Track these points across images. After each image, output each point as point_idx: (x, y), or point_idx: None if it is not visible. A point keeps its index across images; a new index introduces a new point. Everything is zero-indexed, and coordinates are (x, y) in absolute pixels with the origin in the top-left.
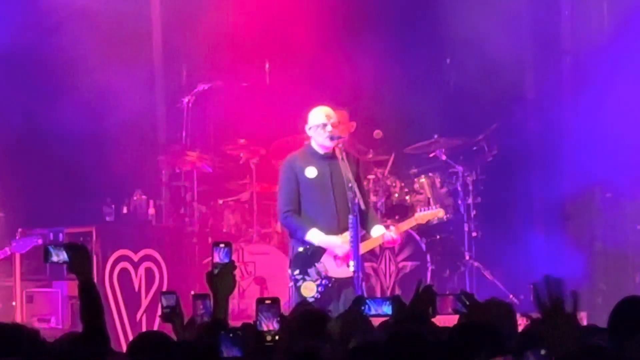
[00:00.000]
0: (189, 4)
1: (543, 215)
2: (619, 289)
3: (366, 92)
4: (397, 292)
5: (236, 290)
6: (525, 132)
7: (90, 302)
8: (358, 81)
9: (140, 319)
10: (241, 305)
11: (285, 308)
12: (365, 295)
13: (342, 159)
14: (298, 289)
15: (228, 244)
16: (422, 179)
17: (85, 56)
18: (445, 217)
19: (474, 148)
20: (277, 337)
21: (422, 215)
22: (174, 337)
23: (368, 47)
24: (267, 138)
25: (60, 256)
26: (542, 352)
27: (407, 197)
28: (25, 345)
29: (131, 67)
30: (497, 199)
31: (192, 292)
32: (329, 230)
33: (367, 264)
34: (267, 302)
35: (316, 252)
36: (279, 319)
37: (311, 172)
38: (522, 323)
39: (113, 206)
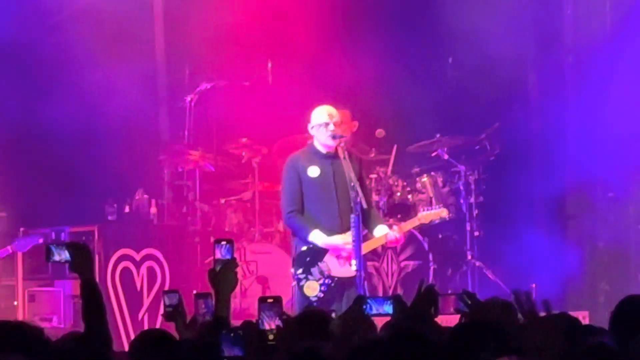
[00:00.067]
0: (192, 3)
1: (545, 214)
2: (621, 288)
3: (368, 91)
4: (399, 291)
5: (238, 289)
6: (527, 131)
7: (92, 302)
8: (360, 80)
9: (142, 318)
10: (243, 304)
11: (288, 307)
12: (368, 294)
13: (345, 158)
14: (301, 288)
15: (230, 241)
16: (424, 178)
17: (88, 55)
18: (448, 216)
19: (476, 147)
20: (279, 336)
21: (426, 215)
22: (176, 335)
23: (370, 47)
24: (269, 137)
25: (62, 255)
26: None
27: (409, 196)
28: (29, 343)
29: (133, 66)
30: (499, 198)
31: (194, 291)
32: (331, 230)
33: (369, 263)
34: (269, 300)
35: (319, 252)
36: (281, 317)
37: (314, 171)
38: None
39: (115, 205)
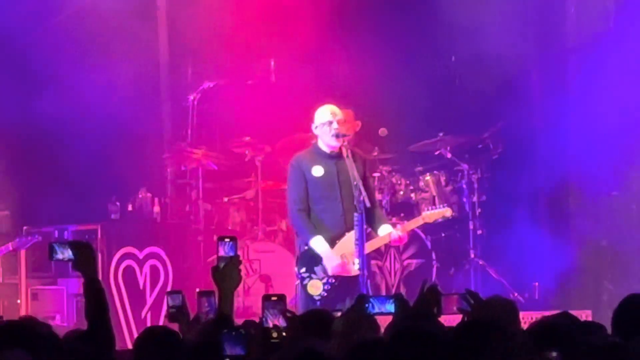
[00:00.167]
0: (194, 2)
1: (548, 213)
2: (624, 287)
3: (371, 90)
4: (402, 290)
5: (241, 287)
6: (530, 130)
7: (95, 300)
8: (363, 79)
9: (145, 316)
10: (246, 303)
11: (291, 305)
12: (371, 293)
13: (348, 156)
14: (304, 287)
15: (233, 239)
16: (427, 177)
17: (90, 54)
18: (451, 215)
19: (479, 146)
20: (283, 334)
21: (430, 215)
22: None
23: (373, 46)
24: (272, 136)
25: (65, 254)
26: (554, 354)
27: (412, 195)
28: (36, 341)
29: (136, 65)
30: (502, 197)
31: (197, 290)
32: (336, 229)
33: (372, 262)
34: (273, 298)
35: None
36: (284, 315)
37: (318, 170)
38: (526, 321)
39: (118, 204)
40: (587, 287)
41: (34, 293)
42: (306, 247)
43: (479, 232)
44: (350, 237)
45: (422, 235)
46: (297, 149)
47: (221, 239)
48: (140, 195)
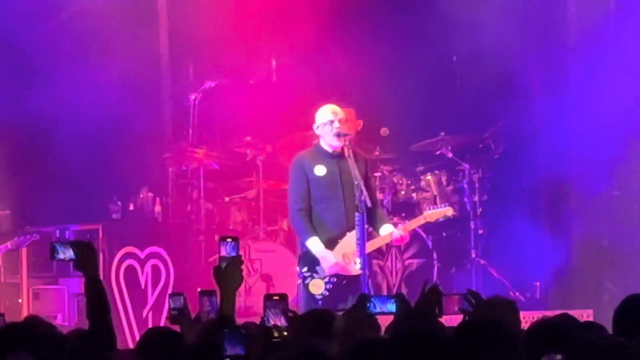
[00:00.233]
0: (196, 1)
1: (549, 212)
2: (626, 286)
3: (373, 90)
4: (404, 289)
5: (242, 287)
6: (531, 130)
7: (97, 299)
8: (364, 79)
9: (147, 316)
10: (247, 302)
11: (293, 305)
12: (372, 293)
13: (349, 156)
14: (306, 286)
15: (235, 239)
16: (429, 177)
17: (92, 53)
18: (452, 215)
19: (480, 146)
20: (284, 333)
21: (431, 214)
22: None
23: (374, 45)
24: (273, 135)
25: (66, 253)
26: (559, 357)
27: (414, 195)
28: (39, 342)
29: (138, 65)
30: (503, 197)
31: (199, 289)
32: (338, 228)
33: (373, 262)
34: (275, 298)
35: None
36: (286, 314)
37: (320, 170)
38: (528, 320)
39: (119, 203)
40: (588, 286)
41: (35, 293)
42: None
43: (480, 231)
44: (352, 237)
45: (424, 235)
46: (299, 148)
47: (223, 239)
48: (141, 195)
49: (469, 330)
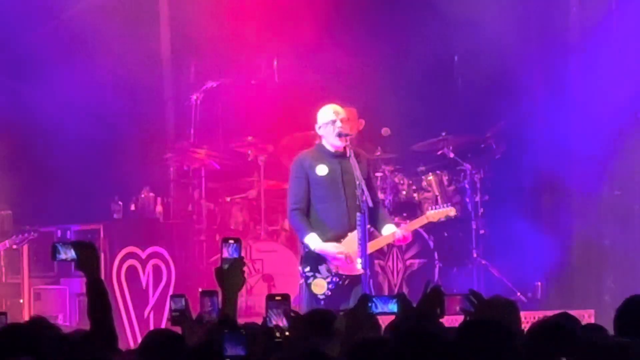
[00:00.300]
0: (197, 1)
1: (551, 213)
2: (627, 286)
3: (374, 90)
4: (405, 289)
5: (243, 287)
6: (533, 130)
7: (98, 300)
8: (366, 79)
9: (148, 316)
10: (249, 302)
11: (294, 305)
12: (374, 293)
13: (350, 156)
14: (309, 286)
15: (237, 240)
16: (430, 177)
17: (93, 53)
18: (455, 215)
19: (482, 146)
20: (286, 334)
21: (434, 214)
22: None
23: (376, 45)
24: (275, 135)
25: (68, 254)
26: None
27: (415, 195)
28: (40, 344)
29: (139, 65)
30: (505, 197)
31: (200, 289)
32: (340, 228)
33: (374, 262)
34: (277, 298)
35: None
36: (287, 315)
37: (322, 169)
38: (529, 321)
39: (121, 203)
40: (589, 287)
41: (36, 293)
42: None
43: (482, 231)
44: (353, 237)
45: (425, 235)
46: (300, 148)
47: (225, 240)
48: (142, 195)
49: (469, 331)
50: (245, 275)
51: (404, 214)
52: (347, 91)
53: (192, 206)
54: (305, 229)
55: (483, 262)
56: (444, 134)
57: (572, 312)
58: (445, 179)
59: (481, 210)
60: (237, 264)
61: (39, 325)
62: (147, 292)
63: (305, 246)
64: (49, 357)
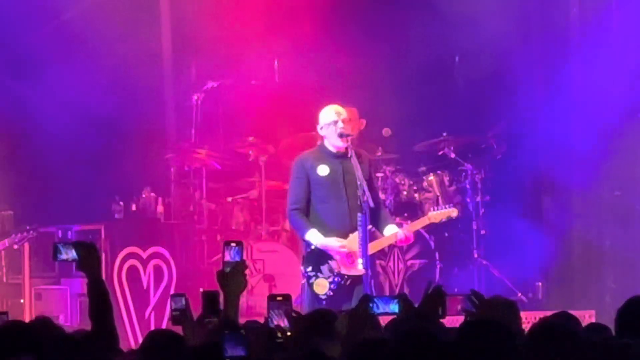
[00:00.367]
0: (198, 1)
1: (551, 213)
2: (628, 287)
3: (375, 90)
4: (406, 290)
5: None
6: (534, 130)
7: (99, 300)
8: (367, 79)
9: (149, 316)
10: (249, 302)
11: (296, 304)
12: (375, 293)
13: (352, 156)
14: (311, 285)
15: (239, 243)
16: (431, 177)
17: (94, 53)
18: (456, 216)
19: (483, 146)
20: (288, 334)
21: (436, 214)
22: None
23: (377, 45)
24: (276, 136)
25: (69, 254)
26: None
27: (416, 195)
28: (41, 343)
29: (140, 65)
30: (506, 197)
31: (201, 290)
32: (341, 228)
33: (376, 262)
34: (279, 299)
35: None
36: (289, 315)
37: (323, 170)
38: (530, 321)
39: (122, 204)
40: (590, 287)
41: (37, 293)
42: (313, 247)
43: (483, 232)
44: (355, 237)
45: (426, 235)
46: (301, 148)
47: (227, 243)
48: (143, 195)
49: (470, 331)
50: (247, 278)
51: (405, 214)
52: (348, 91)
53: (193, 206)
54: (305, 227)
55: (484, 262)
56: (444, 134)
57: (573, 313)
58: (446, 179)
59: (482, 210)
60: (239, 267)
61: (42, 325)
62: (148, 292)
63: (308, 244)
64: (50, 357)
